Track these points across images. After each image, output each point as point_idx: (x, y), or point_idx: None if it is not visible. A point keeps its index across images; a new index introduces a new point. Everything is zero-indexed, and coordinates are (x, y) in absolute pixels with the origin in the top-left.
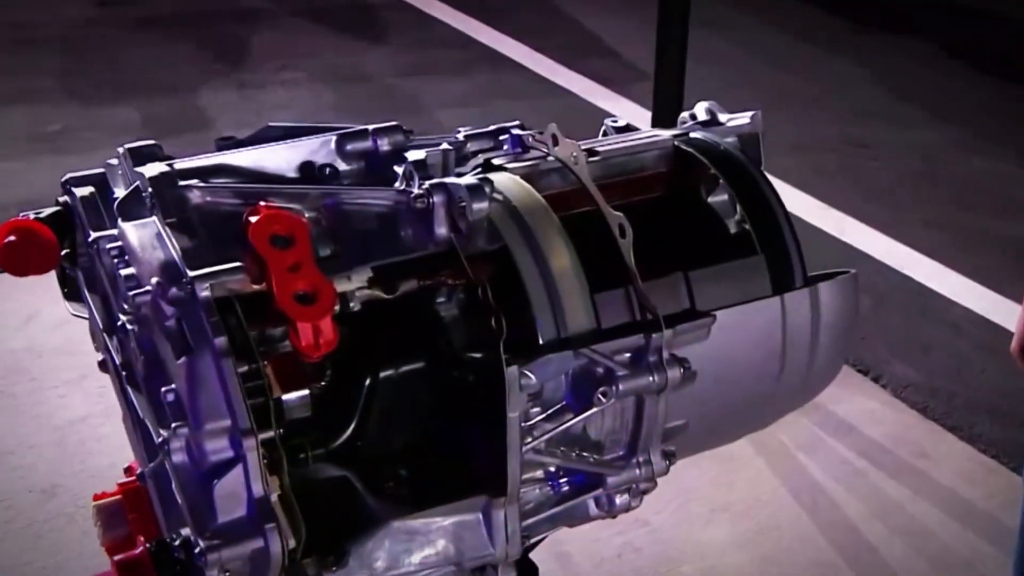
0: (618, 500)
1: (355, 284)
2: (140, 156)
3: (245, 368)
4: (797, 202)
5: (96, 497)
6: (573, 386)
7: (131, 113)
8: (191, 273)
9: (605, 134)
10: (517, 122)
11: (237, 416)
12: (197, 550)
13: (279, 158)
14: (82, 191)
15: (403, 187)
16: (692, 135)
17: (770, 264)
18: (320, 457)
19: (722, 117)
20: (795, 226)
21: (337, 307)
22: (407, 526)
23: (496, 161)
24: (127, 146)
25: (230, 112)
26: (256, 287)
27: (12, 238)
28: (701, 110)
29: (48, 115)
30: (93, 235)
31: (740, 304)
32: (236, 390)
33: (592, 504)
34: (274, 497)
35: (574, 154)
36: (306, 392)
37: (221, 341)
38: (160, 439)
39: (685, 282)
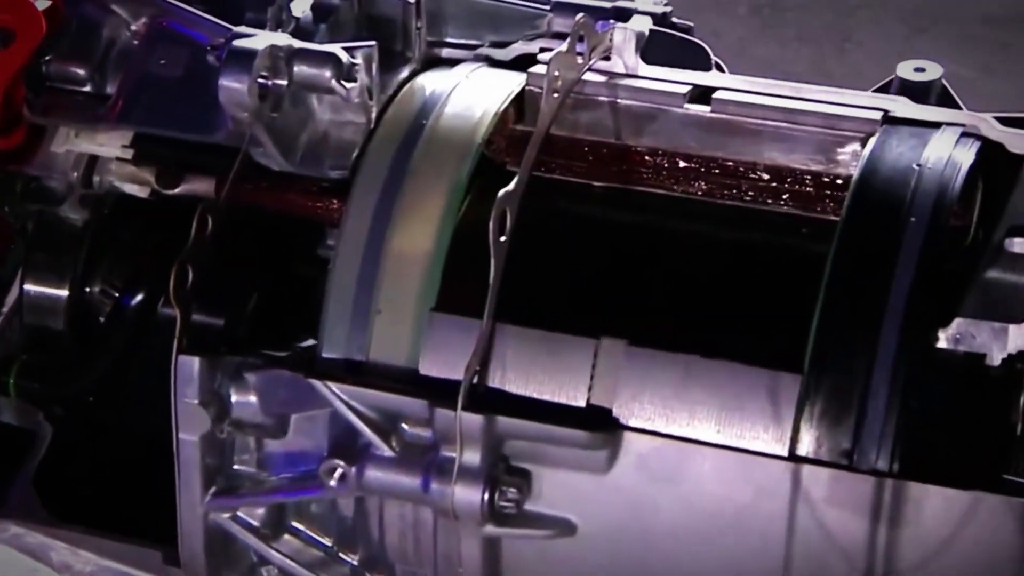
0: None
1: (108, 150)
2: None
3: None
4: None
5: None
6: (333, 447)
7: None
8: None
9: (887, 87)
10: (665, 7)
11: None
12: None
13: None
14: None
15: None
16: (932, 146)
17: (812, 395)
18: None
19: None
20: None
21: None
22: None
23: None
24: None
25: None
26: None
27: None
28: None
29: None
30: None
31: (696, 442)
32: None
33: None
34: None
35: (556, 75)
36: None
37: None
38: None
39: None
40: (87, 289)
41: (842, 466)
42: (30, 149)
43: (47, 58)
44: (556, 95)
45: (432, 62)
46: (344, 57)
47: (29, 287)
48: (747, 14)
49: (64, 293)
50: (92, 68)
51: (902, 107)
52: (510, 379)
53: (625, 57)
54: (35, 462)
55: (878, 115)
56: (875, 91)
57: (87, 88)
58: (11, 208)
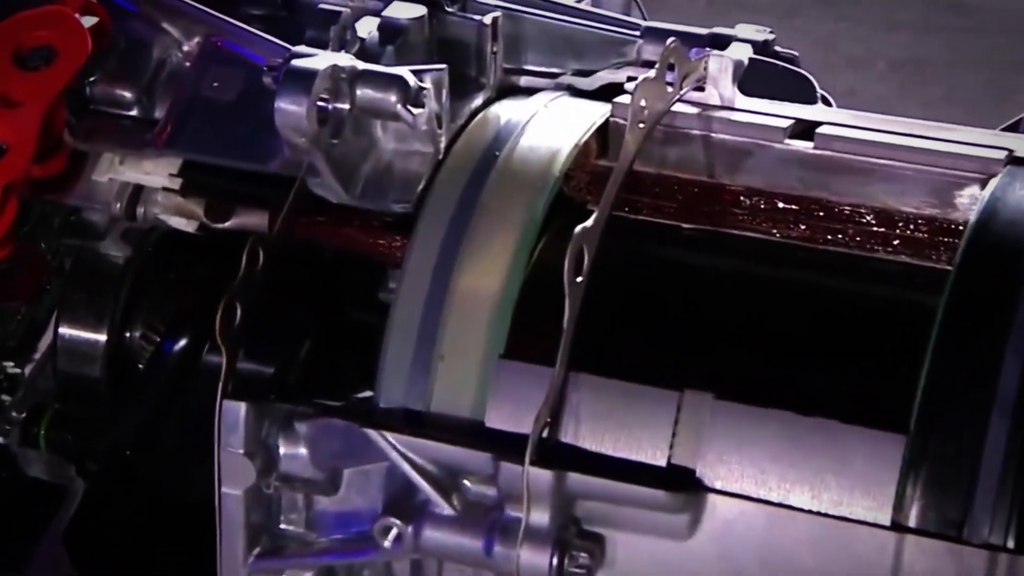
0: None
1: (154, 179)
2: None
3: None
4: None
5: None
6: (388, 504)
7: None
8: None
9: (1015, 127)
10: (768, 35)
11: None
12: None
13: None
14: None
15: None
16: None
17: (919, 459)
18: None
19: None
20: None
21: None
22: None
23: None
24: None
25: None
26: None
27: None
28: None
29: None
30: None
31: (788, 508)
32: None
33: None
34: None
35: (642, 105)
36: None
37: None
38: None
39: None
40: (127, 333)
41: (951, 538)
42: (70, 177)
43: (92, 79)
44: (642, 126)
45: (508, 90)
46: (412, 81)
47: (64, 330)
48: (887, 71)
49: (102, 337)
50: (140, 90)
51: None
52: (584, 433)
53: (721, 88)
54: (65, 519)
55: (1002, 155)
56: (1002, 131)
57: (134, 112)
58: (48, 243)
